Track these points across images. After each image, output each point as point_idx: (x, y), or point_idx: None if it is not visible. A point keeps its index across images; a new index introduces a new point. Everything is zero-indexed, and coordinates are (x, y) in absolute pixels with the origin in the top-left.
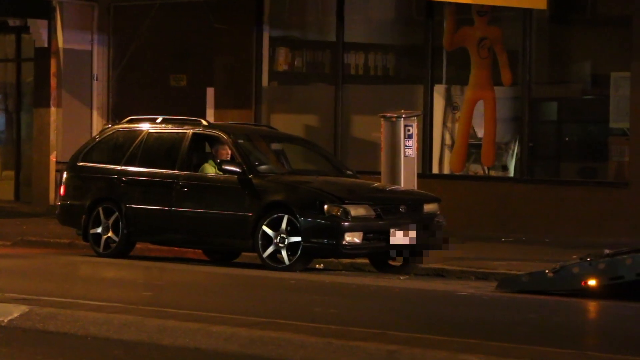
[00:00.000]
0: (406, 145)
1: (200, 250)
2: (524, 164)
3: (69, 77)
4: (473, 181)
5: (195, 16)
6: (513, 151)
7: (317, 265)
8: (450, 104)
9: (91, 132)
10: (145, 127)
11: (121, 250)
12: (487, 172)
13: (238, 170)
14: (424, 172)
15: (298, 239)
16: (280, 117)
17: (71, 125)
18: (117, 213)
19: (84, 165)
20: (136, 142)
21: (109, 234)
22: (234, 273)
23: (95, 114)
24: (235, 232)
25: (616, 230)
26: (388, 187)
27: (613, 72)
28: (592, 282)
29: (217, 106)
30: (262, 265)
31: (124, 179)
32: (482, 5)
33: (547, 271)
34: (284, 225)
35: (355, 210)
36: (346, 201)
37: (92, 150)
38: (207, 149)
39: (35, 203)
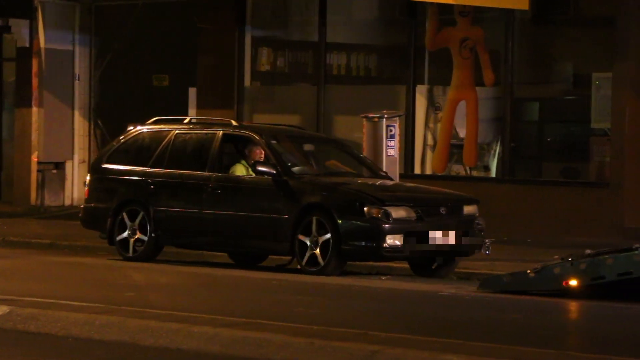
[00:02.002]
0: (388, 146)
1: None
2: (505, 164)
3: (51, 77)
4: (455, 181)
5: (177, 16)
6: (495, 151)
7: (298, 266)
8: (432, 105)
9: (73, 133)
10: (172, 128)
11: (148, 254)
12: (469, 172)
13: (273, 171)
14: (406, 173)
15: (329, 239)
16: (263, 117)
17: (53, 126)
18: (144, 215)
19: (108, 168)
20: (163, 143)
21: (137, 237)
22: (218, 274)
23: (77, 114)
24: (270, 235)
25: (598, 230)
26: (427, 189)
27: (595, 72)
28: (573, 282)
29: (200, 106)
30: (300, 270)
31: (151, 180)
32: (465, 6)
33: (528, 271)
34: (314, 228)
35: (396, 212)
36: (387, 203)
37: (117, 152)
38: (235, 150)
39: (17, 203)
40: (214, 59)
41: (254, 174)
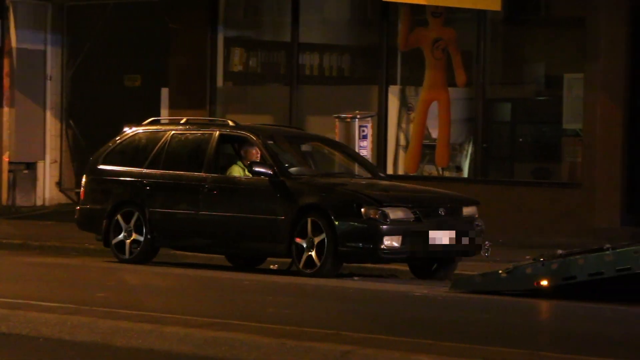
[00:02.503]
0: (361, 146)
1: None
2: (477, 165)
3: (23, 77)
4: (427, 182)
5: (149, 16)
6: (467, 152)
7: (272, 266)
8: (404, 105)
9: (44, 133)
10: (168, 128)
11: (144, 256)
12: (441, 172)
13: (269, 171)
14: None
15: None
16: (235, 118)
17: (24, 126)
18: (139, 217)
19: (104, 169)
20: (159, 144)
21: (133, 238)
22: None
23: (48, 114)
24: (266, 237)
25: (569, 230)
26: (426, 189)
27: (566, 73)
28: (544, 283)
29: (172, 106)
30: (297, 271)
31: (147, 182)
32: (437, 7)
33: (500, 271)
34: (310, 229)
35: (394, 213)
36: (384, 203)
37: (113, 153)
38: (232, 151)
39: None
40: (186, 59)
41: (250, 175)
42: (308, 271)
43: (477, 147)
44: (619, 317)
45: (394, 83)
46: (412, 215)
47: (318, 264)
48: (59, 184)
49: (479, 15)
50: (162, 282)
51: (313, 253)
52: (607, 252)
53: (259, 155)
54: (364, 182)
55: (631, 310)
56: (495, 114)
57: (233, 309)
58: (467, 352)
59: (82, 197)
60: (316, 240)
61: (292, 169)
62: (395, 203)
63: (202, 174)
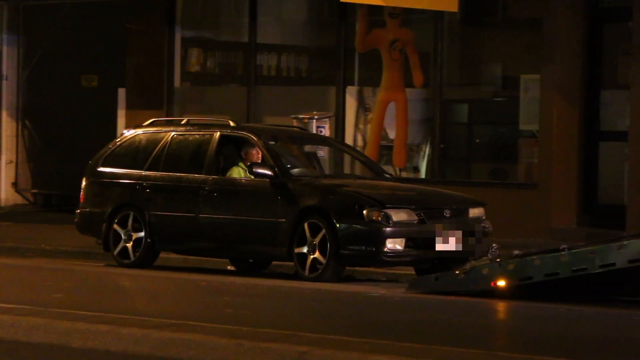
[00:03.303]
0: (318, 147)
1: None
2: (435, 166)
3: None
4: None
5: (106, 16)
6: (424, 153)
7: (228, 267)
8: (362, 106)
9: (0, 133)
10: (169, 129)
11: (144, 260)
12: (398, 173)
13: (270, 173)
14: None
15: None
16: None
17: None
18: (140, 220)
19: (104, 171)
20: (160, 145)
21: (133, 242)
22: (150, 275)
23: (4, 114)
24: (267, 240)
25: (525, 231)
26: (431, 190)
27: (523, 74)
28: (501, 283)
29: (129, 107)
30: (296, 274)
31: (147, 184)
32: (394, 8)
33: (457, 272)
34: (311, 232)
35: (397, 215)
36: (387, 205)
37: (113, 154)
38: (233, 152)
39: None
40: (143, 60)
41: (251, 177)
42: (310, 275)
43: (435, 148)
44: (575, 317)
45: (352, 84)
46: (415, 217)
47: (320, 267)
48: (15, 184)
49: (436, 16)
50: (119, 283)
51: (315, 256)
52: (563, 252)
53: (259, 156)
54: (367, 183)
55: (587, 310)
56: (453, 115)
57: (190, 310)
58: (424, 352)
59: (81, 200)
60: (319, 244)
61: (294, 170)
62: (399, 204)
63: (203, 176)
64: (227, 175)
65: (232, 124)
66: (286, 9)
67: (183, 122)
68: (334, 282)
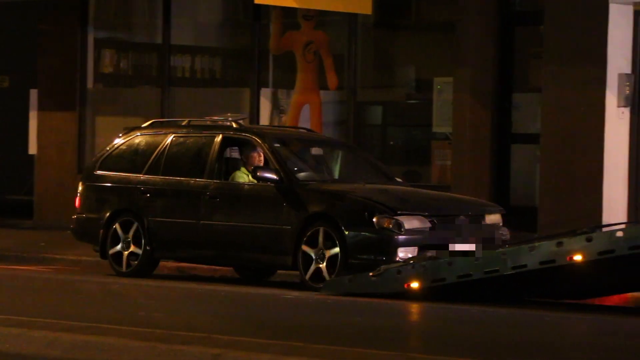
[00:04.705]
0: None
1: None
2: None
3: None
4: None
5: (18, 16)
6: (338, 155)
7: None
8: (276, 108)
9: None
10: (168, 131)
11: (143, 269)
12: None
13: (275, 177)
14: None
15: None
16: (106, 120)
17: None
18: (138, 227)
19: (101, 175)
20: (159, 148)
21: (131, 250)
22: (66, 279)
23: None
24: (271, 248)
25: None
26: (445, 195)
27: (436, 77)
28: (414, 285)
29: (41, 108)
30: (301, 284)
31: (146, 189)
32: (308, 10)
33: (370, 274)
34: (320, 239)
35: (409, 222)
36: (399, 212)
37: (110, 158)
38: (236, 155)
39: None
40: (56, 60)
41: (255, 181)
42: (317, 285)
43: None
44: (488, 318)
45: (266, 86)
46: (429, 225)
47: (328, 277)
48: None
49: (350, 18)
50: (33, 285)
51: (323, 266)
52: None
53: (261, 159)
54: (377, 188)
55: (499, 312)
56: (367, 117)
57: (103, 313)
58: (338, 354)
59: (77, 205)
60: (327, 252)
61: (300, 174)
62: (411, 211)
63: (204, 180)
64: (230, 179)
65: (234, 125)
66: (200, 10)
67: (183, 124)
68: (341, 294)
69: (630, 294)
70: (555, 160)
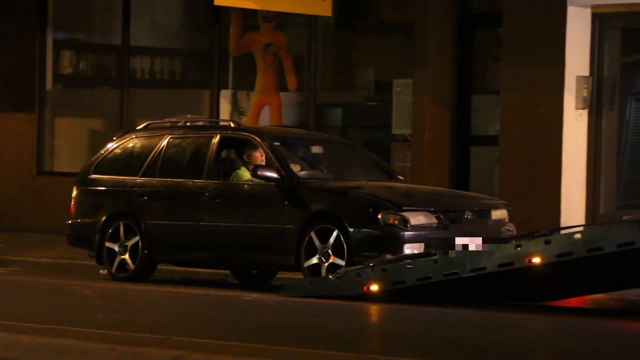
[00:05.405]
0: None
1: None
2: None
3: None
4: None
5: None
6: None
7: (100, 271)
8: (236, 109)
9: None
10: (165, 132)
11: (141, 273)
12: None
13: (275, 176)
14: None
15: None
16: (65, 121)
17: None
18: (135, 230)
19: (95, 178)
20: (155, 149)
21: (128, 254)
22: (25, 281)
23: None
24: (273, 248)
25: None
26: (450, 192)
27: (396, 79)
28: (374, 287)
29: None
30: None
31: (142, 191)
32: (268, 11)
33: (330, 276)
34: (332, 239)
35: (415, 218)
36: (404, 208)
37: (105, 161)
38: (234, 155)
39: None
40: (14, 61)
41: (255, 180)
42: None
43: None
44: (447, 320)
45: (226, 87)
46: (435, 221)
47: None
48: None
49: (310, 20)
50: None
51: (326, 265)
52: (435, 256)
53: (263, 158)
54: (380, 185)
55: (459, 313)
56: (326, 119)
57: (62, 315)
58: (297, 355)
59: (72, 210)
60: (331, 251)
61: (301, 173)
62: (417, 207)
63: (202, 181)
64: (230, 179)
65: (232, 125)
66: (160, 11)
67: (180, 124)
68: (301, 297)
69: (589, 296)
70: (514, 162)
